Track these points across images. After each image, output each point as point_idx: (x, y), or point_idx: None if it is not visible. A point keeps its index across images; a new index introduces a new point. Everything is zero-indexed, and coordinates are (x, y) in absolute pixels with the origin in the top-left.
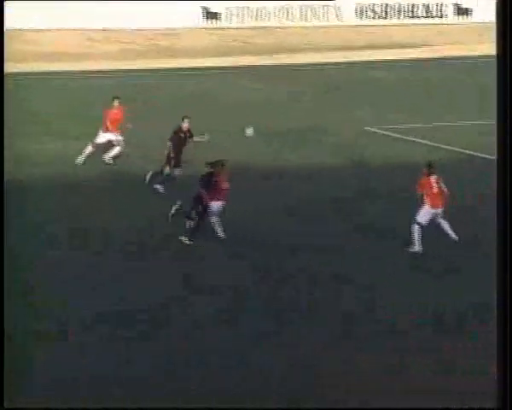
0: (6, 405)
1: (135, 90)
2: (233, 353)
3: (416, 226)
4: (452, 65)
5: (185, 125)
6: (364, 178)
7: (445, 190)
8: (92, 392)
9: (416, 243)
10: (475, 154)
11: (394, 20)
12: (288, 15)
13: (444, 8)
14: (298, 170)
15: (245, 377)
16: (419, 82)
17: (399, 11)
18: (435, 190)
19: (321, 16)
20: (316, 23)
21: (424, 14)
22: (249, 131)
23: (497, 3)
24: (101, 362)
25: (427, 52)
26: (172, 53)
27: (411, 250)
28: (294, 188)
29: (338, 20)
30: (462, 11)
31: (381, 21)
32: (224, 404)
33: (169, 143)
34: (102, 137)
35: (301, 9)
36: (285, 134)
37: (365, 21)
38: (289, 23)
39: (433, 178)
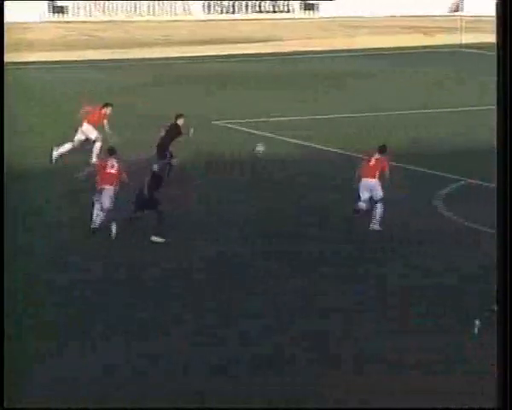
0: (6, 405)
1: None
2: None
3: (359, 202)
4: (302, 59)
5: (181, 122)
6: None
7: (384, 166)
8: None
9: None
10: (315, 146)
11: (241, 15)
12: (136, 10)
13: (291, 3)
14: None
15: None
16: (268, 76)
17: (247, 6)
18: (372, 163)
19: (169, 10)
20: (164, 17)
21: (271, 10)
22: (259, 148)
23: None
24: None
25: (276, 46)
26: (18, 47)
27: (375, 228)
28: None
29: (186, 14)
30: (308, 7)
31: (229, 16)
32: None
33: (163, 136)
34: (82, 134)
35: (149, 4)
36: (122, 127)
37: (213, 16)
38: (138, 17)
39: (374, 157)
